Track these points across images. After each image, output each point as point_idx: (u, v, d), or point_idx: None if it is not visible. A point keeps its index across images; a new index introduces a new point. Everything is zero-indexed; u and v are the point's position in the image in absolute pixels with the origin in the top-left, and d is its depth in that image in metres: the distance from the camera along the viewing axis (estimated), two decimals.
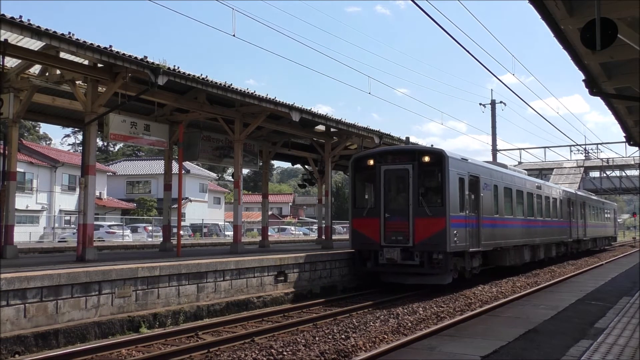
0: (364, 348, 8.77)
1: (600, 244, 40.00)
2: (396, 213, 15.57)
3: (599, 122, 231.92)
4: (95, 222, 16.18)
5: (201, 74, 14.37)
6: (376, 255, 15.76)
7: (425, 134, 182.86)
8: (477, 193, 16.82)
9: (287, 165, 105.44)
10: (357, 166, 16.96)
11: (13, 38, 12.28)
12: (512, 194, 20.46)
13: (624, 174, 51.34)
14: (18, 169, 17.80)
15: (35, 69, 14.72)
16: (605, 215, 41.93)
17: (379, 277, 16.44)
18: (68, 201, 47.36)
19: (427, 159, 15.50)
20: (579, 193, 33.20)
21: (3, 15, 10.41)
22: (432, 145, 19.73)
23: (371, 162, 16.31)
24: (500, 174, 19.66)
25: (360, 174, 16.99)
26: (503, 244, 18.87)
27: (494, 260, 18.91)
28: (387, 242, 15.52)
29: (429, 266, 14.96)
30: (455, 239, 14.91)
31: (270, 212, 25.18)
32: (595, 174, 54.41)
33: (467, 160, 16.73)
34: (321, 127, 21.63)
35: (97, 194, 43.04)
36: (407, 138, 19.66)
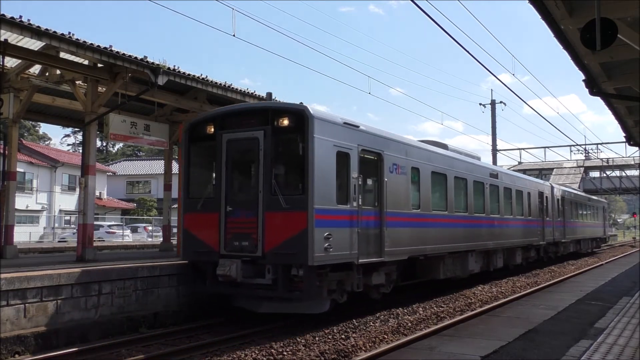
0: (364, 348, 8.77)
1: (586, 247, 34.98)
2: (241, 205, 10.61)
3: (595, 121, 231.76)
4: (95, 222, 16.20)
5: (201, 74, 14.40)
6: (215, 270, 10.54)
7: (422, 133, 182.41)
8: (378, 177, 11.93)
9: None
10: (192, 135, 11.70)
11: (13, 38, 12.29)
12: (447, 181, 15.26)
13: (624, 174, 51.37)
14: (18, 169, 17.82)
15: (35, 69, 14.73)
16: (592, 214, 36.90)
17: (230, 300, 11.53)
18: (68, 201, 47.40)
19: (285, 122, 10.40)
20: (556, 186, 27.79)
21: (3, 15, 10.44)
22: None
23: (211, 128, 11.23)
24: (426, 153, 14.37)
25: (198, 148, 11.73)
26: (430, 251, 13.84)
27: (422, 271, 14.46)
28: (228, 249, 10.53)
29: (285, 287, 10.03)
30: (326, 244, 9.95)
31: None
32: (595, 174, 54.49)
33: (357, 127, 11.45)
34: None
35: (97, 194, 43.07)
36: (269, 94, 12.89)
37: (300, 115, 10.25)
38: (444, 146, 16.48)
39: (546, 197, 24.82)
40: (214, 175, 11.34)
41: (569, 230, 28.45)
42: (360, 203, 11.02)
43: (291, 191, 10.26)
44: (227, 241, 10.60)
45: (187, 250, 11.28)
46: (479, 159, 19.13)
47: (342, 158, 10.78)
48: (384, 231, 11.70)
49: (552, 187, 26.49)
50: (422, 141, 15.52)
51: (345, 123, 11.09)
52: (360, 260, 10.90)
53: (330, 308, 10.69)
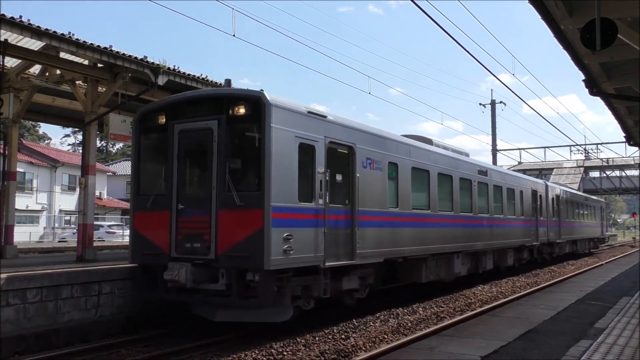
0: (364, 348, 8.78)
1: (583, 247, 33.97)
2: (194, 203, 9.74)
3: (595, 121, 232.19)
4: (95, 222, 16.19)
5: (201, 74, 14.41)
6: None
7: (421, 133, 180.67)
8: (349, 173, 10.98)
9: None
10: (143, 126, 10.82)
11: (13, 38, 12.29)
12: (430, 178, 14.28)
13: (624, 174, 51.41)
14: (18, 169, 17.82)
15: (35, 69, 14.74)
16: (590, 213, 35.92)
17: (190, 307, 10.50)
18: (68, 201, 47.42)
19: (241, 110, 9.51)
20: (550, 184, 26.77)
21: (3, 15, 10.44)
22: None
23: (162, 118, 10.41)
24: (405, 147, 13.34)
25: (149, 139, 10.87)
26: (409, 252, 12.93)
27: (403, 274, 13.61)
28: (179, 251, 9.66)
29: (240, 293, 9.16)
30: (286, 246, 9.07)
31: None
32: (595, 174, 54.56)
33: (324, 117, 10.53)
34: None
35: (97, 194, 43.11)
36: (227, 81, 11.43)
37: (256, 103, 9.31)
38: (429, 141, 15.58)
39: (540, 195, 24.01)
40: (159, 168, 10.46)
41: (564, 230, 27.53)
42: (327, 201, 10.09)
43: (247, 187, 9.31)
44: (178, 242, 9.72)
45: (136, 253, 10.41)
46: (467, 155, 18.13)
47: (306, 151, 9.82)
48: (356, 231, 10.79)
49: (547, 186, 25.64)
50: (405, 136, 14.65)
51: (309, 112, 10.15)
52: (327, 264, 9.97)
53: (293, 316, 9.76)
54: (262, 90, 9.47)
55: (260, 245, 8.81)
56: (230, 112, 9.54)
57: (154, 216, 10.11)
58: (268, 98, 9.23)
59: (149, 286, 10.23)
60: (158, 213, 10.01)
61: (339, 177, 10.73)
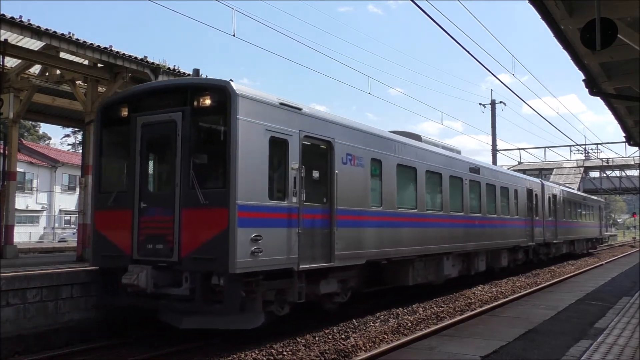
0: (364, 348, 8.78)
1: (580, 248, 33.31)
2: (157, 201, 9.15)
3: (595, 121, 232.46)
4: None
5: (201, 74, 14.40)
6: None
7: (421, 133, 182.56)
8: (328, 169, 10.36)
9: None
10: (105, 119, 10.16)
11: (13, 38, 12.31)
12: (418, 176, 13.64)
13: (623, 174, 51.42)
14: (18, 169, 17.85)
15: (35, 69, 14.76)
16: (588, 213, 35.25)
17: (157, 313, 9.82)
18: (68, 201, 47.46)
19: (207, 101, 8.90)
20: (547, 184, 26.08)
21: (3, 15, 10.47)
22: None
23: (125, 110, 9.73)
24: (390, 143, 12.68)
25: (111, 133, 10.19)
26: (394, 254, 12.28)
27: (388, 277, 12.99)
28: (142, 253, 9.04)
29: (204, 298, 8.56)
30: (254, 248, 8.45)
31: None
32: (595, 174, 54.59)
33: (299, 109, 9.85)
34: None
35: None
36: (196, 70, 10.57)
37: (221, 93, 8.65)
38: (417, 137, 14.99)
39: (536, 195, 23.19)
40: (121, 164, 9.84)
41: (561, 230, 26.77)
42: (302, 199, 9.48)
43: (212, 184, 8.70)
44: (140, 244, 9.07)
45: (97, 254, 9.74)
46: (459, 152, 17.41)
47: (278, 146, 9.20)
48: (335, 232, 10.14)
49: (543, 185, 24.89)
50: (393, 132, 14.00)
51: (282, 104, 9.41)
52: (301, 266, 9.33)
53: (265, 323, 9.19)
54: (230, 79, 8.86)
55: (225, 246, 8.20)
56: (195, 103, 8.92)
57: (115, 215, 9.48)
58: (234, 88, 8.59)
59: (108, 291, 9.53)
60: (119, 212, 9.39)
61: (315, 174, 10.09)
